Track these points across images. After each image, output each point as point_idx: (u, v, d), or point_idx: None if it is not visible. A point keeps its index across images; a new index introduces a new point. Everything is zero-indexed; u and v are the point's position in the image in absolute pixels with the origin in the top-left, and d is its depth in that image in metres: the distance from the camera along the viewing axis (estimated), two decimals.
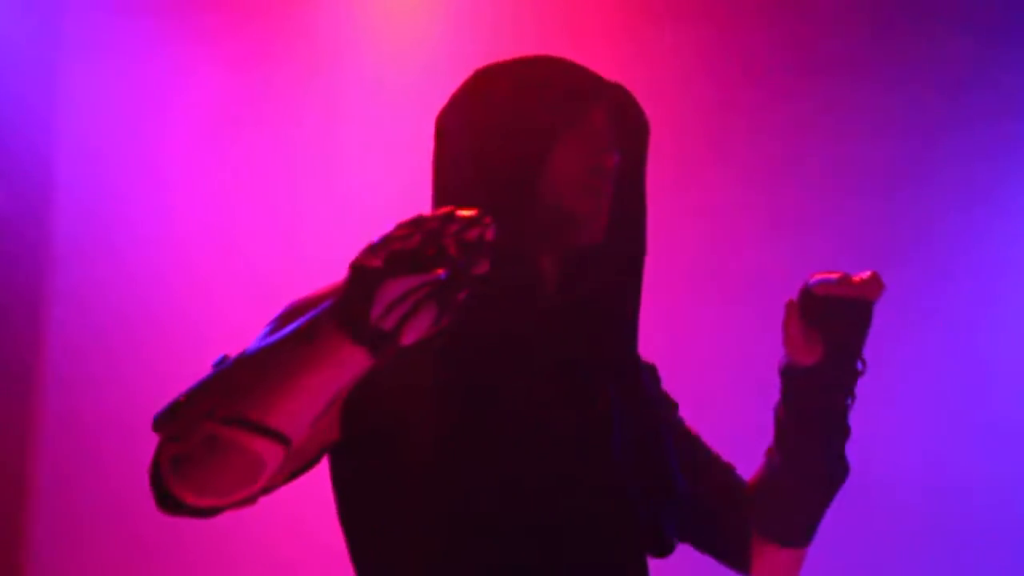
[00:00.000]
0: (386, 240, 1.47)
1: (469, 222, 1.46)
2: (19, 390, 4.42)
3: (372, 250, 1.47)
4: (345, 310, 1.48)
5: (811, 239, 4.16)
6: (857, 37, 4.17)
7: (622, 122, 1.88)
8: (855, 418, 1.96)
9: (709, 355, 4.11)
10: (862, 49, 4.16)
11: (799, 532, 1.97)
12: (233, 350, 1.64)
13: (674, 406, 2.03)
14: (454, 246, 1.46)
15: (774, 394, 1.98)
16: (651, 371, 2.02)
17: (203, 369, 1.70)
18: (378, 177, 4.08)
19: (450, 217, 1.47)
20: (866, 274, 1.89)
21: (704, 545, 2.00)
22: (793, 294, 1.93)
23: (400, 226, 1.47)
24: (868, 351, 1.94)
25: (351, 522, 1.83)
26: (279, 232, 4.19)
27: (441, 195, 1.85)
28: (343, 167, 4.20)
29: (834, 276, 1.90)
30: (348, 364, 1.51)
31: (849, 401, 1.94)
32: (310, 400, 1.53)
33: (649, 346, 2.01)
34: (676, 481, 1.92)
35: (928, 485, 4.17)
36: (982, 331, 4.20)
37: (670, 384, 2.05)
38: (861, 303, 1.90)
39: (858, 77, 4.16)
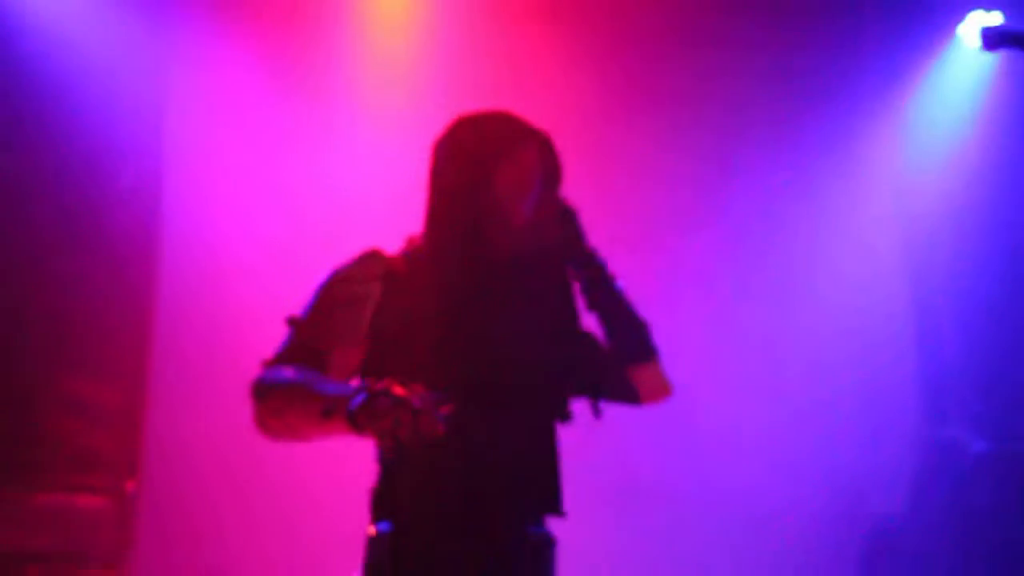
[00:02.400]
0: (375, 398, 2.49)
1: (429, 405, 2.45)
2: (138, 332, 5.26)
3: (370, 397, 2.49)
4: (353, 422, 2.53)
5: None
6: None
7: (546, 159, 2.92)
8: None
9: None
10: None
11: (635, 353, 3.02)
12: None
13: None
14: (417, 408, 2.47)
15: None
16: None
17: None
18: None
19: (412, 402, 2.46)
20: None
21: (612, 395, 3.02)
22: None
23: (384, 393, 2.48)
24: None
25: None
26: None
27: (429, 199, 2.90)
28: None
29: None
30: (343, 430, 2.59)
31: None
32: (323, 430, 2.64)
33: None
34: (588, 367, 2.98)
35: None
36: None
37: None
38: None
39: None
